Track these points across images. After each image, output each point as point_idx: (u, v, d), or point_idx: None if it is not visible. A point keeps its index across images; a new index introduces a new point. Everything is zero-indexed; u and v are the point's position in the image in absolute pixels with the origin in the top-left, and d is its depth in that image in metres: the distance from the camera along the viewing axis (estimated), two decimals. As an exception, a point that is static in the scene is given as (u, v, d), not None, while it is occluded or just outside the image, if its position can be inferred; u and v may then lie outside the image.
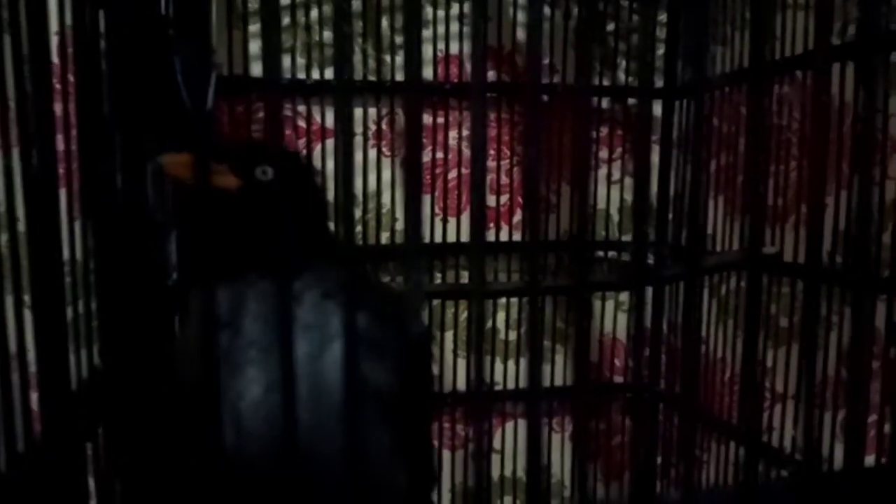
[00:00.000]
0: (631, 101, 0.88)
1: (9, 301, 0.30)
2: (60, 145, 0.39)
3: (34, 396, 0.32)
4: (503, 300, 0.87)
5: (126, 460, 0.41)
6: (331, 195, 0.81)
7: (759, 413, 0.71)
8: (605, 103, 0.87)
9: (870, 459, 0.66)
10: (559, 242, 0.87)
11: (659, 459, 0.90)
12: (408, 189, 0.22)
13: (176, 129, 0.55)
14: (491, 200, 0.86)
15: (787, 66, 0.70)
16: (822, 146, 0.54)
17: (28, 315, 0.32)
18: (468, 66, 0.83)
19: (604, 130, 0.88)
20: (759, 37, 0.52)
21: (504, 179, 0.86)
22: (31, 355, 0.32)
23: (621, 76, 0.87)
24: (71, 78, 0.40)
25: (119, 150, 0.46)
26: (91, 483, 0.39)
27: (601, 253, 0.90)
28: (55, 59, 0.38)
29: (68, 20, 0.39)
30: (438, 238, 0.84)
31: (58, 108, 0.37)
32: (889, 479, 0.30)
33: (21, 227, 0.32)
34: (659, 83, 0.88)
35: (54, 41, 0.38)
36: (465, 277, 0.85)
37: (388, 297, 0.49)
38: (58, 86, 0.38)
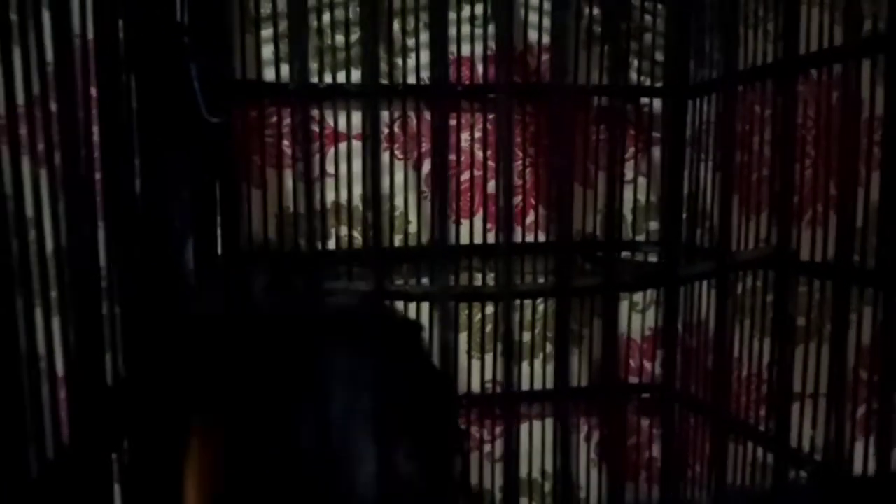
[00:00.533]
0: (644, 100, 0.88)
1: (37, 308, 0.31)
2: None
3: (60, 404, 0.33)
4: (517, 301, 0.87)
5: (149, 472, 0.41)
6: (343, 197, 0.81)
7: (788, 416, 0.70)
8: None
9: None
10: (572, 243, 0.87)
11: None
12: (434, 193, 0.22)
13: (192, 134, 0.55)
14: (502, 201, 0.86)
15: (806, 63, 0.69)
16: (853, 144, 0.54)
17: (55, 322, 0.32)
18: (479, 68, 0.83)
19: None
20: (790, 32, 0.52)
21: (517, 180, 0.86)
22: (58, 362, 0.33)
23: (633, 75, 0.87)
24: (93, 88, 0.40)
25: (138, 157, 0.46)
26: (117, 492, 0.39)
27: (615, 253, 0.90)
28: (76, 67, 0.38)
29: (90, 29, 0.39)
30: (451, 240, 0.84)
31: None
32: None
33: (45, 233, 0.32)
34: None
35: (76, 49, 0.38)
36: (478, 279, 0.85)
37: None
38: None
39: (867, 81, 0.64)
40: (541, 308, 0.88)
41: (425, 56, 0.81)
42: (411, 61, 0.80)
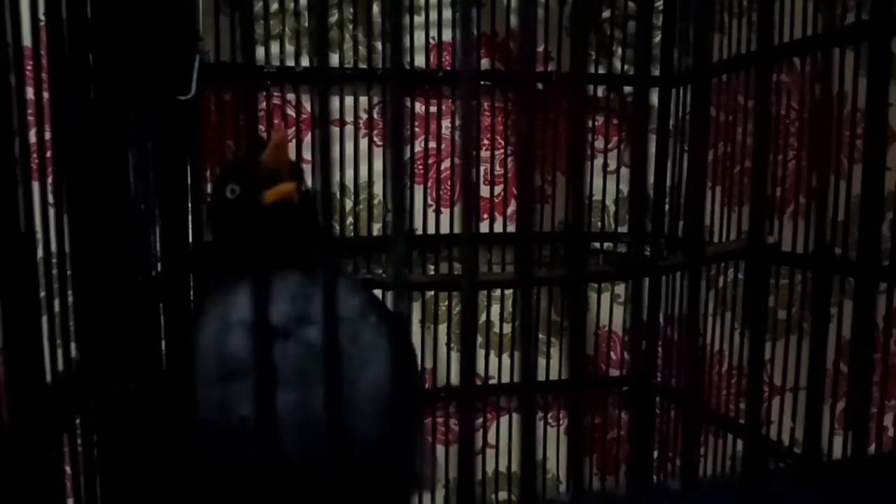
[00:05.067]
0: (627, 89, 0.86)
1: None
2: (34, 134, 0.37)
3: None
4: (497, 293, 0.86)
5: (104, 451, 0.40)
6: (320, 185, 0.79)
7: (759, 406, 0.69)
8: (600, 92, 0.86)
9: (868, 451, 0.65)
10: (554, 233, 0.86)
11: (655, 453, 0.89)
12: (391, 171, 0.21)
13: (159, 115, 0.53)
14: (485, 191, 0.85)
15: (786, 51, 0.69)
16: (826, 134, 0.53)
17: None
18: (461, 52, 0.82)
19: (599, 119, 0.86)
20: (767, 21, 0.51)
21: (498, 169, 0.85)
22: None
23: (617, 64, 0.86)
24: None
25: (99, 136, 0.44)
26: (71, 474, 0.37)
27: (597, 244, 0.89)
28: (27, 42, 0.36)
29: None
30: (431, 229, 0.82)
31: (30, 94, 0.36)
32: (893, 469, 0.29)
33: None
34: (655, 71, 0.86)
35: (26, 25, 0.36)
36: (458, 269, 0.84)
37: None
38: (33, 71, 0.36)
39: (850, 72, 0.63)
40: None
41: (405, 40, 0.79)
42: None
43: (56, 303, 0.37)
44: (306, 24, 0.77)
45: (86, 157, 0.42)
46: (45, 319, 0.36)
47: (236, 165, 0.48)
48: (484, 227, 0.85)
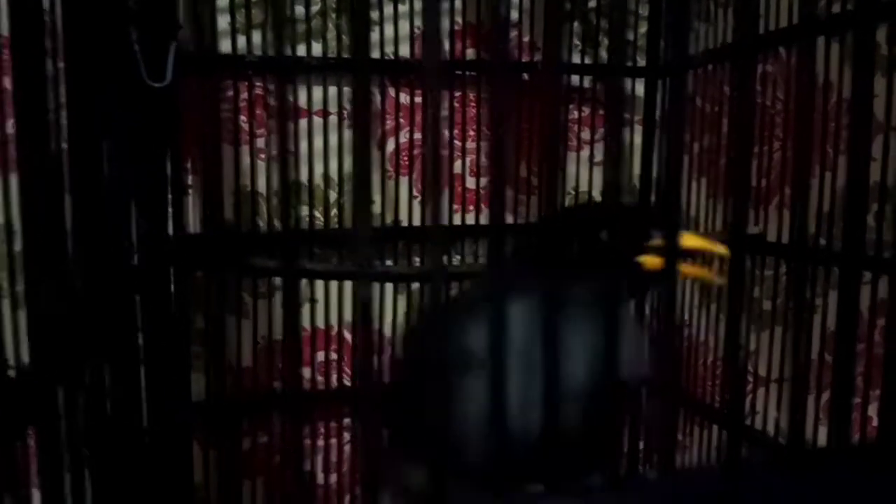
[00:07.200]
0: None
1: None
2: None
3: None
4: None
5: (75, 445, 0.39)
6: (304, 177, 0.79)
7: (742, 395, 0.69)
8: (586, 82, 0.85)
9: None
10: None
11: (641, 444, 0.89)
12: (356, 158, 0.20)
13: (133, 105, 0.52)
14: (471, 182, 0.84)
15: (770, 41, 0.68)
16: (808, 125, 0.53)
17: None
18: (446, 43, 0.81)
19: (586, 110, 0.86)
20: (746, 10, 0.51)
21: (484, 161, 0.84)
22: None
23: (603, 54, 0.85)
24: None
25: (71, 124, 0.43)
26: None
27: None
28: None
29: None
30: (417, 221, 0.82)
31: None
32: (877, 457, 0.29)
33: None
34: (641, 62, 0.86)
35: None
36: (444, 261, 0.83)
37: None
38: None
39: (836, 62, 0.63)
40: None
41: (389, 30, 0.78)
42: (375, 35, 0.78)
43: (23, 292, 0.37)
44: (288, 13, 0.76)
45: (55, 145, 0.41)
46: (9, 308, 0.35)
47: (611, 215, 0.52)
48: (470, 219, 0.84)
